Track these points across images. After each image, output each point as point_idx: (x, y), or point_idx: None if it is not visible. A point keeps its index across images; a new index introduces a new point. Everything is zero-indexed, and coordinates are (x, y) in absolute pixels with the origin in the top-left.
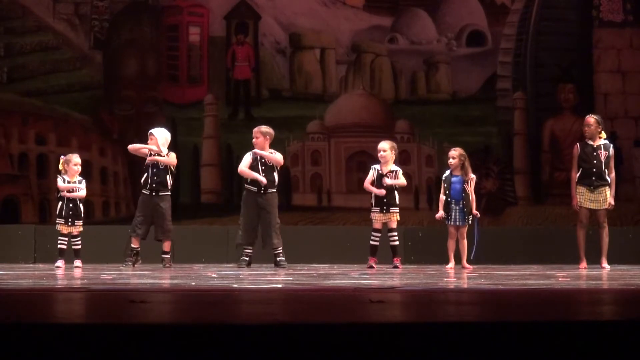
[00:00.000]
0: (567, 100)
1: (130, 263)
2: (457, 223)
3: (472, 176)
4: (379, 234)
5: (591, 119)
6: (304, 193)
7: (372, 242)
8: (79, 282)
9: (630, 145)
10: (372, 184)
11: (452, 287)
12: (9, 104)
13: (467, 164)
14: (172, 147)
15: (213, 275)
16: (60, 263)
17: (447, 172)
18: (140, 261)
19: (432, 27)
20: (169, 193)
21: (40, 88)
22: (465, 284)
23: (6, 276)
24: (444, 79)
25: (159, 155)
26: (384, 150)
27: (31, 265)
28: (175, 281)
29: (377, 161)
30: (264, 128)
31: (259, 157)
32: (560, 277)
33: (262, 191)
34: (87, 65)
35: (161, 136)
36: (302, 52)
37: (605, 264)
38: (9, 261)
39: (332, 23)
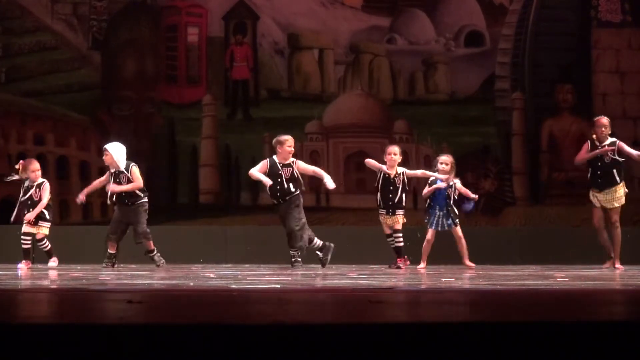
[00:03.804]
0: (565, 100)
1: (109, 265)
2: (444, 228)
3: (455, 180)
4: (390, 238)
5: (605, 120)
6: (302, 193)
7: (397, 245)
8: (77, 282)
9: (629, 145)
10: (377, 185)
11: (451, 287)
12: (8, 104)
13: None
14: (170, 147)
15: (211, 276)
16: (23, 265)
17: (432, 178)
18: (115, 265)
19: (431, 28)
20: (144, 200)
21: (38, 88)
22: (463, 284)
23: (4, 276)
24: (443, 79)
25: (118, 179)
26: (395, 154)
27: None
28: (174, 281)
29: (382, 162)
30: (276, 138)
31: (279, 166)
32: (558, 277)
33: (280, 201)
34: (85, 65)
35: (115, 151)
36: (300, 53)
37: (618, 264)
38: (7, 261)
39: (331, 23)
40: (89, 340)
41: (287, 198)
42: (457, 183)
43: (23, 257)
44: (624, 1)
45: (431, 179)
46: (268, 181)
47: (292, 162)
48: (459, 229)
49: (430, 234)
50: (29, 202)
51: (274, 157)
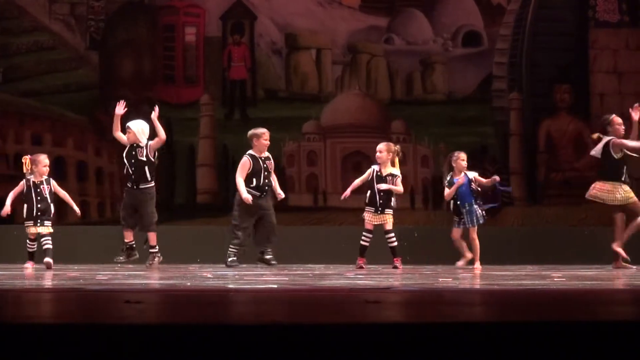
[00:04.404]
0: (563, 100)
1: (122, 258)
2: (485, 219)
3: (474, 174)
4: (370, 235)
5: (619, 118)
6: (299, 193)
7: (362, 243)
8: (74, 282)
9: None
10: (369, 183)
11: (448, 287)
12: (5, 104)
13: None
14: (167, 147)
15: (209, 276)
16: (29, 265)
17: (449, 177)
18: (136, 255)
19: (428, 28)
20: (151, 185)
21: (36, 88)
22: (460, 284)
23: (2, 276)
24: (440, 79)
25: (134, 152)
26: (380, 152)
27: None
28: (171, 281)
29: (376, 162)
30: (253, 132)
31: (261, 161)
32: (555, 277)
33: (264, 194)
34: (83, 65)
35: (137, 127)
36: (298, 53)
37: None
38: (5, 261)
39: (328, 23)
40: (88, 340)
41: (267, 190)
42: (477, 175)
43: (28, 258)
44: (621, 1)
45: (447, 180)
46: (249, 198)
47: (269, 156)
48: (474, 231)
49: (473, 232)
50: (39, 198)
51: (251, 151)
